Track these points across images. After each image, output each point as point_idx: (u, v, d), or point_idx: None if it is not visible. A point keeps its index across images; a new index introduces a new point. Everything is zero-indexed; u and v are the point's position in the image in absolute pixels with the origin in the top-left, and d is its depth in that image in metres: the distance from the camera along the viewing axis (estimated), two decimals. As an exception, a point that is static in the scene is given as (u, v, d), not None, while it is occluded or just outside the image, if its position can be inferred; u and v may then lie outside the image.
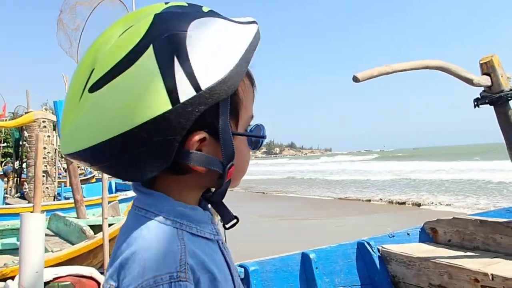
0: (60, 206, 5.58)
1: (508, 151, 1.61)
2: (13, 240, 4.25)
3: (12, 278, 2.07)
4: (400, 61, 1.39)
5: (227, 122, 0.44)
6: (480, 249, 1.76)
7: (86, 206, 4.74)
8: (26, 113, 7.97)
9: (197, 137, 0.43)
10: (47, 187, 7.42)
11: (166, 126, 0.40)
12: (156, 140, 0.40)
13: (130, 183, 0.49)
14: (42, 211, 2.42)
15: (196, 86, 0.40)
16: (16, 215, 4.61)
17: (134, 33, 0.41)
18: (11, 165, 10.13)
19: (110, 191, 6.91)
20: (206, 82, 0.40)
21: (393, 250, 1.81)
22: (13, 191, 9.09)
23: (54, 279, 2.10)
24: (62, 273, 2.16)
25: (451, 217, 1.94)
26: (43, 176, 7.12)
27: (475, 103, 1.61)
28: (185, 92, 0.40)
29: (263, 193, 14.22)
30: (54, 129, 8.06)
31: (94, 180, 10.95)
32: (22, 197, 8.24)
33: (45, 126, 7.61)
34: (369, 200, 10.57)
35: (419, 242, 1.99)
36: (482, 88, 1.59)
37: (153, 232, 0.43)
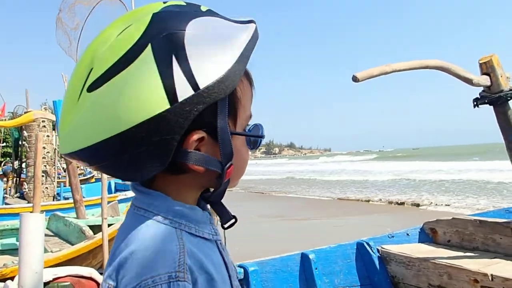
0: (60, 206, 5.57)
1: (508, 151, 1.61)
2: (12, 240, 4.25)
3: (12, 278, 2.07)
4: (396, 62, 1.39)
5: (225, 121, 0.44)
6: (480, 249, 1.76)
7: (85, 206, 4.73)
8: (25, 112, 7.97)
9: (195, 136, 0.43)
10: (46, 187, 7.41)
11: (165, 126, 0.40)
12: (155, 140, 0.40)
13: (129, 183, 0.49)
14: (42, 211, 2.41)
15: (194, 85, 0.40)
16: (15, 215, 4.60)
17: (132, 32, 0.41)
18: (11, 165, 10.12)
19: (110, 191, 6.90)
20: (204, 81, 0.40)
21: (393, 251, 1.81)
22: (13, 191, 9.08)
23: (54, 279, 2.10)
24: (61, 274, 2.16)
25: (451, 218, 1.94)
26: (43, 176, 7.11)
27: (475, 103, 1.61)
28: (184, 91, 0.40)
29: (262, 193, 14.22)
30: (54, 129, 8.04)
31: (93, 180, 10.95)
32: (22, 197, 8.23)
33: (44, 126, 7.60)
34: (368, 201, 10.57)
35: (419, 242, 1.99)
36: (482, 88, 1.59)
37: (152, 232, 0.43)
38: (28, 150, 7.75)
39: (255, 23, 0.46)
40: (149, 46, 0.40)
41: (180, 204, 0.46)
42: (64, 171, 10.95)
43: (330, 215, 8.31)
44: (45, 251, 2.65)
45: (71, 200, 5.07)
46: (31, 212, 2.38)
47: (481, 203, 8.74)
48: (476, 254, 1.70)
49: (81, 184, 5.36)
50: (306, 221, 7.78)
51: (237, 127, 0.47)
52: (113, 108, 0.40)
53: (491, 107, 1.60)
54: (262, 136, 0.51)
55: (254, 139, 0.50)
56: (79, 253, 3.28)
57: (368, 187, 14.23)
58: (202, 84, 0.40)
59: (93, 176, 11.55)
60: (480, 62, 1.59)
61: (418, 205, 9.22)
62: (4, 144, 16.46)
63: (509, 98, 1.55)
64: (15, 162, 9.65)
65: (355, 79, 1.30)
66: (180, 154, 0.43)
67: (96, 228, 3.78)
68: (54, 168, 8.13)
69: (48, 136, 7.60)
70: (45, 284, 1.97)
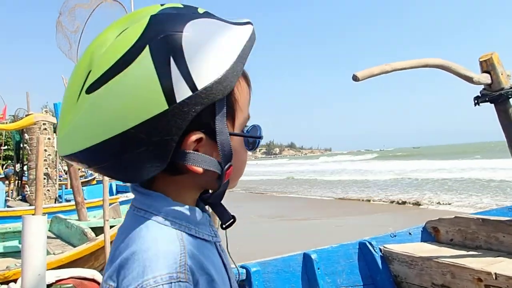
0: (61, 209, 5.58)
1: (510, 149, 1.61)
2: (15, 242, 4.26)
3: (15, 281, 2.07)
4: (395, 62, 1.39)
5: (223, 122, 0.44)
6: (483, 248, 1.76)
7: (87, 208, 4.75)
8: (26, 115, 7.98)
9: (193, 137, 0.43)
10: (48, 190, 7.43)
11: (163, 127, 0.40)
12: (153, 141, 0.40)
13: (129, 184, 0.49)
14: (44, 214, 2.41)
15: (192, 86, 0.40)
16: (18, 217, 4.62)
17: (130, 35, 0.41)
18: (12, 168, 10.16)
19: (111, 193, 6.90)
20: (202, 82, 0.41)
21: (395, 250, 1.81)
22: (15, 193, 9.10)
23: (57, 281, 2.11)
24: (64, 276, 2.16)
25: (453, 216, 1.93)
26: (44, 178, 7.12)
27: (475, 101, 1.61)
28: (182, 92, 0.40)
29: (263, 193, 14.22)
30: (55, 132, 8.06)
31: (95, 182, 10.97)
32: (24, 199, 8.25)
33: (45, 129, 7.62)
34: (369, 200, 10.55)
35: (421, 241, 1.98)
36: (482, 86, 1.59)
37: (153, 233, 0.43)
38: (30, 152, 7.78)
39: (252, 25, 0.47)
40: (147, 47, 0.40)
41: (180, 205, 0.46)
42: (66, 173, 10.97)
43: (330, 215, 8.29)
44: (48, 253, 2.66)
45: (72, 202, 5.08)
46: (33, 214, 2.39)
47: (485, 202, 8.70)
48: (479, 253, 1.70)
49: (82, 186, 5.37)
50: (307, 221, 7.77)
51: (235, 128, 0.48)
52: (111, 109, 0.40)
53: (492, 105, 1.59)
54: (260, 137, 0.51)
55: (252, 140, 0.50)
56: (81, 255, 3.28)
57: (370, 187, 14.20)
58: (200, 85, 0.40)
59: (95, 178, 11.57)
60: (481, 60, 1.58)
61: (420, 204, 9.20)
62: (6, 147, 16.51)
63: (510, 96, 1.55)
64: (16, 165, 9.67)
65: (355, 78, 1.30)
66: (178, 155, 0.43)
67: (98, 230, 3.79)
68: (56, 171, 8.15)
69: (49, 138, 7.62)
70: (48, 286, 1.97)
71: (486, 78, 1.54)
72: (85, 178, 11.71)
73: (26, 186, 8.24)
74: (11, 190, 9.29)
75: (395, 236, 1.97)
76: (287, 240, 5.65)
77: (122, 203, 4.98)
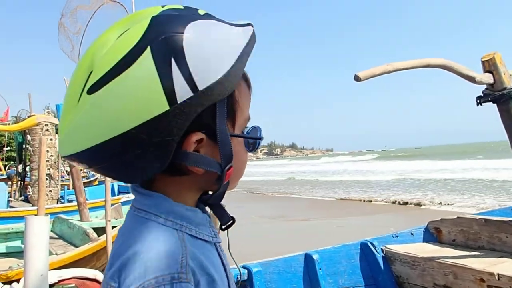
0: (64, 209, 5.59)
1: (512, 149, 1.60)
2: (17, 243, 4.27)
3: (17, 281, 2.08)
4: (395, 61, 1.38)
5: (224, 123, 0.44)
6: (485, 248, 1.75)
7: (89, 208, 4.76)
8: (28, 117, 8.01)
9: (194, 138, 0.43)
10: (50, 190, 7.45)
11: (164, 127, 0.40)
12: (154, 141, 0.41)
13: (129, 184, 0.50)
14: (46, 214, 2.42)
15: (193, 87, 0.40)
16: (20, 218, 4.64)
17: (131, 36, 0.42)
18: (15, 168, 10.19)
19: (113, 194, 6.92)
20: (203, 83, 0.41)
21: (397, 250, 1.80)
22: (17, 194, 9.13)
23: (59, 281, 2.11)
24: (66, 276, 2.17)
25: (455, 217, 1.93)
26: (47, 179, 7.14)
27: (478, 101, 1.60)
28: (183, 93, 0.40)
29: (264, 194, 14.21)
30: (57, 133, 8.04)
31: (96, 182, 11.00)
32: (26, 200, 8.27)
33: (47, 130, 7.64)
34: (371, 201, 10.52)
35: (423, 242, 1.98)
36: (485, 86, 1.58)
37: (154, 233, 0.43)
38: (32, 153, 7.79)
39: (252, 26, 0.47)
40: (148, 48, 0.40)
41: (181, 206, 0.46)
42: (68, 174, 11.00)
43: (332, 216, 8.28)
44: (50, 253, 2.67)
45: (75, 203, 5.09)
46: (35, 215, 2.40)
47: (487, 202, 8.66)
48: (481, 253, 1.69)
49: (84, 186, 5.39)
50: (308, 221, 7.76)
51: (235, 129, 0.48)
52: (113, 109, 0.40)
53: (495, 105, 1.59)
54: (260, 138, 0.51)
55: (252, 141, 0.51)
56: (84, 255, 3.29)
57: (372, 187, 14.17)
58: (201, 86, 0.41)
59: (97, 178, 11.59)
60: (483, 60, 1.58)
61: (422, 204, 9.16)
62: (8, 148, 16.57)
63: (512, 96, 1.54)
64: (19, 166, 9.70)
65: (357, 78, 1.30)
66: (179, 155, 0.43)
67: (100, 230, 3.79)
68: (58, 171, 8.17)
69: (51, 139, 7.64)
70: (50, 286, 1.98)
71: (488, 78, 1.54)
72: (87, 178, 11.74)
73: (29, 186, 8.26)
74: (14, 190, 9.33)
75: (397, 236, 1.96)
76: (288, 240, 5.64)
77: (124, 203, 4.99)
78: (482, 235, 1.77)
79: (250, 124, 0.51)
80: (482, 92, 1.60)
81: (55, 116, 7.17)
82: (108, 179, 3.02)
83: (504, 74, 1.54)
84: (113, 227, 3.05)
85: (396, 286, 1.79)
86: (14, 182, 9.61)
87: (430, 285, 1.64)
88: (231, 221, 0.52)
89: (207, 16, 0.45)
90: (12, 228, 4.36)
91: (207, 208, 0.53)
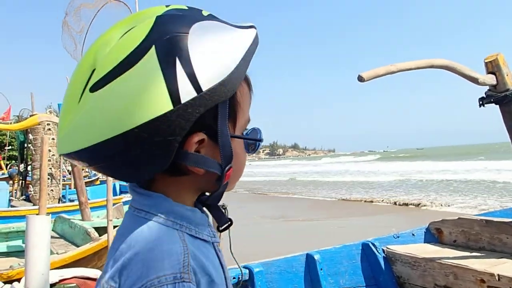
0: (65, 209, 5.61)
1: (514, 150, 1.59)
2: (18, 242, 4.28)
3: (18, 280, 2.09)
4: (396, 62, 1.38)
5: (225, 124, 0.44)
6: (486, 249, 1.75)
7: (90, 208, 4.77)
8: (30, 116, 8.04)
9: (196, 138, 0.43)
10: (52, 190, 7.47)
11: (167, 127, 0.40)
12: (156, 141, 0.40)
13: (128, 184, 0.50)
14: (47, 214, 2.43)
15: (197, 88, 0.40)
16: (21, 217, 4.65)
17: (136, 35, 0.42)
18: (16, 168, 10.22)
19: (115, 193, 6.94)
20: (206, 83, 0.41)
21: (398, 251, 1.80)
22: (19, 193, 9.16)
23: (60, 281, 2.12)
24: (67, 275, 2.17)
25: (457, 218, 1.92)
26: (48, 178, 7.16)
27: (480, 102, 1.60)
28: (186, 93, 0.40)
29: (266, 194, 14.20)
30: (59, 132, 8.07)
31: (98, 182, 11.01)
32: (27, 199, 8.30)
33: (49, 129, 7.66)
34: (372, 201, 10.50)
35: (424, 242, 1.97)
36: (487, 87, 1.58)
37: (155, 233, 0.43)
38: (34, 153, 7.82)
39: (255, 29, 0.47)
40: (153, 48, 0.40)
41: (181, 206, 0.46)
42: (69, 174, 11.03)
43: (333, 216, 8.27)
44: (51, 253, 2.67)
45: (76, 202, 5.11)
46: (37, 214, 2.40)
47: (489, 203, 8.63)
48: (482, 254, 1.69)
49: (86, 186, 5.40)
50: (310, 222, 7.75)
51: (236, 131, 0.48)
52: (115, 108, 0.40)
53: (497, 106, 1.58)
54: (260, 140, 0.51)
55: (252, 142, 0.51)
56: (85, 254, 3.30)
57: (374, 188, 14.15)
58: (204, 87, 0.41)
59: (98, 178, 11.61)
60: (486, 61, 1.57)
61: (424, 205, 9.14)
62: (10, 147, 16.62)
63: (515, 97, 1.54)
64: (20, 165, 9.73)
65: (361, 79, 1.30)
66: (180, 155, 0.43)
67: (101, 230, 3.80)
68: (59, 171, 8.19)
69: (53, 139, 7.66)
70: (51, 285, 1.98)
71: (491, 79, 1.53)
72: (88, 178, 11.76)
73: (30, 186, 8.28)
74: (15, 190, 9.35)
75: (398, 237, 1.96)
76: (290, 240, 5.64)
77: (125, 203, 5.00)
78: (483, 236, 1.77)
79: (249, 126, 0.51)
80: (485, 93, 1.60)
81: (57, 115, 7.19)
82: (110, 179, 3.03)
83: (507, 75, 1.53)
84: (114, 227, 3.06)
85: (397, 287, 1.78)
86: (15, 181, 9.64)
87: (431, 285, 1.64)
88: (229, 223, 0.52)
89: (211, 17, 0.45)
90: (13, 228, 4.37)
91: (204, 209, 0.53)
